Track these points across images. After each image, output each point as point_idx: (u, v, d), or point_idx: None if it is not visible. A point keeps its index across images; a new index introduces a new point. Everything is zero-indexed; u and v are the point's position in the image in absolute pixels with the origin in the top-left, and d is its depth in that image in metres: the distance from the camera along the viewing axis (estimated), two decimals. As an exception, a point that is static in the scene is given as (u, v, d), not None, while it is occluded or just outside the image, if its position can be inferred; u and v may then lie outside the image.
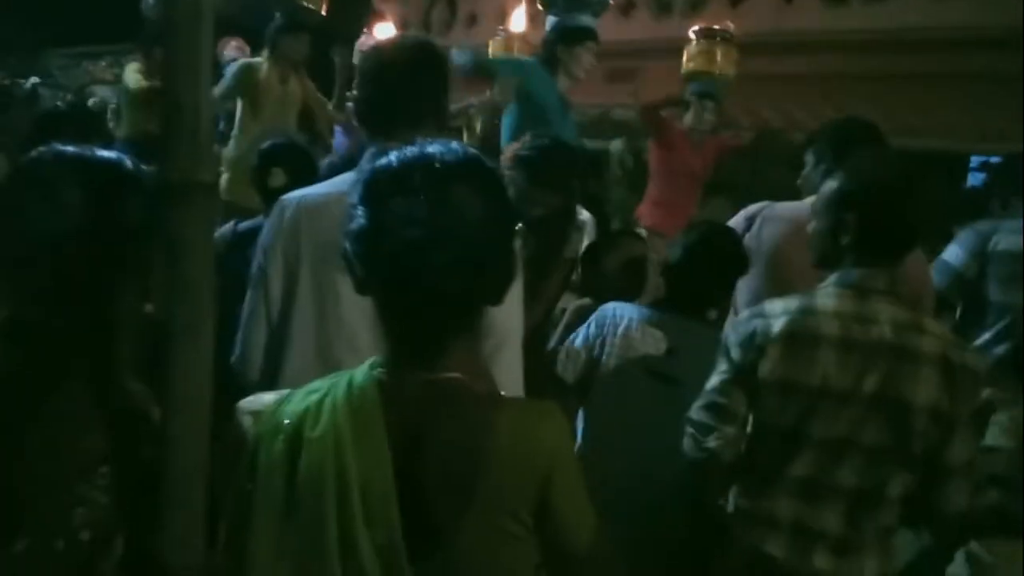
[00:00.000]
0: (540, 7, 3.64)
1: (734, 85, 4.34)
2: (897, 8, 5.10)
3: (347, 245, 1.01)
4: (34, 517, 0.97)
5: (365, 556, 0.94)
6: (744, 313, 1.74)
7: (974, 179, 5.04)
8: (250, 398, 1.09)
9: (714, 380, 1.65)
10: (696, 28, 4.28)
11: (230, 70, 4.21)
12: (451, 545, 0.98)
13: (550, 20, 3.47)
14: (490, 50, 4.47)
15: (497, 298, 1.05)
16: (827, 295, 1.59)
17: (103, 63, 5.80)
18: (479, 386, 1.02)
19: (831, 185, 1.64)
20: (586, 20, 3.43)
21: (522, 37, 4.45)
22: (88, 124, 2.92)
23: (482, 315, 1.05)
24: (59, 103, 4.11)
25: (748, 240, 2.29)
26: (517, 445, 1.00)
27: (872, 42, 5.10)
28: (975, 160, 5.16)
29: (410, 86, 1.59)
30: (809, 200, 2.29)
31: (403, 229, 0.95)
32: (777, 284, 2.12)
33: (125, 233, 1.05)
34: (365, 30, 4.56)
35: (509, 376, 1.51)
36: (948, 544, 1.99)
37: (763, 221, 2.30)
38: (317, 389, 1.04)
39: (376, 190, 0.99)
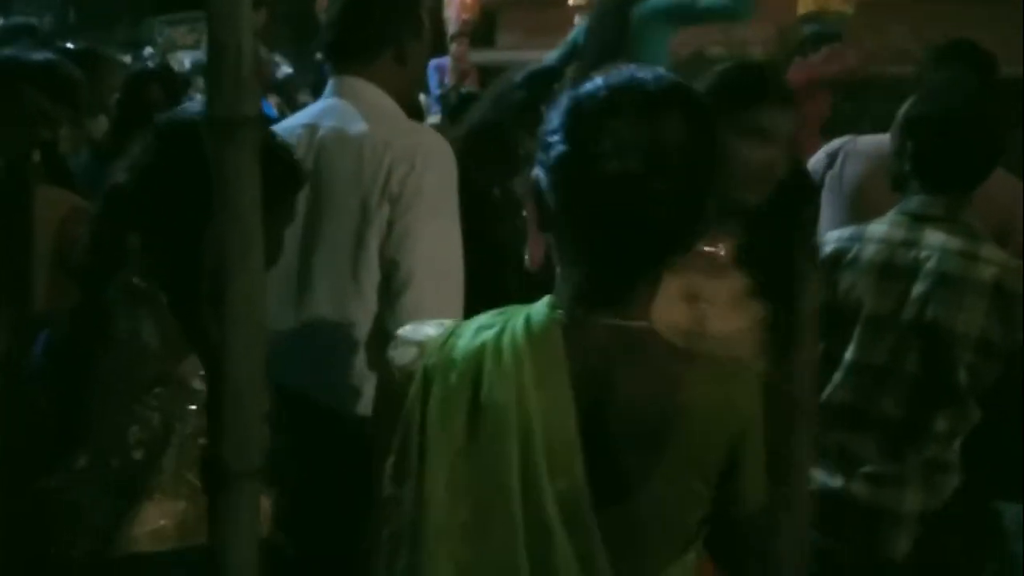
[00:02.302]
0: None
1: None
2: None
3: (541, 175, 0.95)
4: (95, 435, 1.04)
5: (547, 502, 0.91)
6: None
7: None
8: (409, 327, 1.05)
9: None
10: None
11: None
12: (635, 500, 0.94)
13: None
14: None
15: (691, 243, 0.96)
16: (882, 222, 1.59)
17: (182, 29, 6.08)
18: (670, 337, 0.96)
19: (902, 109, 1.63)
20: None
21: None
22: (174, 84, 3.12)
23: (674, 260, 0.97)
24: (148, 63, 4.25)
25: (830, 178, 2.22)
26: (711, 405, 0.94)
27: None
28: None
29: (359, 15, 1.55)
30: (896, 132, 2.19)
31: (619, 156, 0.89)
32: (859, 221, 2.05)
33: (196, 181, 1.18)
34: None
35: None
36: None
37: (845, 157, 2.23)
38: (489, 325, 0.99)
39: (582, 116, 0.93)
